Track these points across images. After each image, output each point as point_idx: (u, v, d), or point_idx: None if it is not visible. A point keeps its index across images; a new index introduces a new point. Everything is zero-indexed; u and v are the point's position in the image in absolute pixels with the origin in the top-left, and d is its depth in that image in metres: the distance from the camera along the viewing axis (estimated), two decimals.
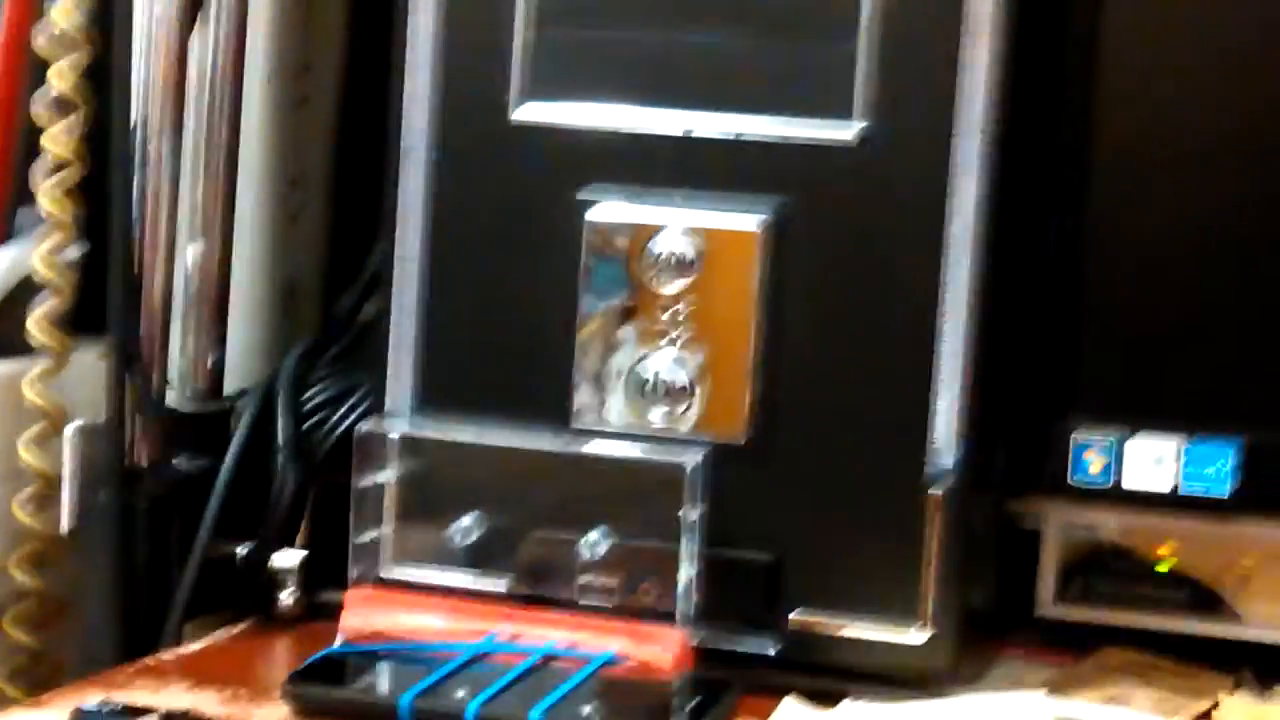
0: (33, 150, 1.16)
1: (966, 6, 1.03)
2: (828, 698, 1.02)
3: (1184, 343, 1.08)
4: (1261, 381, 1.08)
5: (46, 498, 1.15)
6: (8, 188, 1.20)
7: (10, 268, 1.18)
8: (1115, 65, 1.09)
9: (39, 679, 1.13)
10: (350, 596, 1.05)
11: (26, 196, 1.17)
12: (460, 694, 0.96)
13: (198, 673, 1.04)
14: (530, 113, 1.08)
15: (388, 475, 1.07)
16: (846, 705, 1.01)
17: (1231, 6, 1.08)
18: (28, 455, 1.14)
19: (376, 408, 1.11)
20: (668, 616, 1.02)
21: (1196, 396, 1.08)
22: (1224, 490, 1.07)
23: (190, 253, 1.19)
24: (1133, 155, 1.09)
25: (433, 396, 1.10)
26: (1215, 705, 1.05)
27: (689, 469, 1.02)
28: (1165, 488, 1.07)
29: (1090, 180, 1.09)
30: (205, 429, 1.17)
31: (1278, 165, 1.07)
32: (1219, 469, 1.07)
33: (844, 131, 1.05)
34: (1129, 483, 1.08)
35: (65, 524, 1.15)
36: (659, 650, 1.00)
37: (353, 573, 1.06)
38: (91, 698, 0.95)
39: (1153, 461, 1.08)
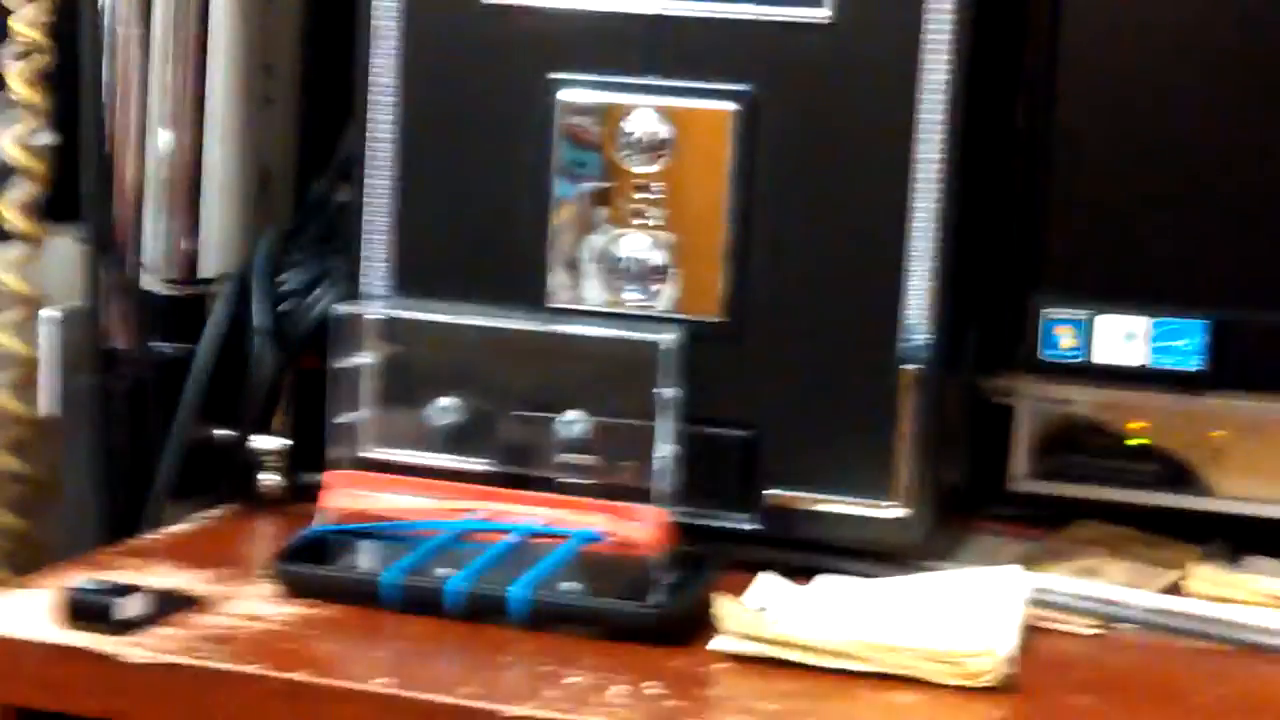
0: (2, 30, 1.15)
1: None
2: (804, 573, 1.03)
3: (1152, 219, 1.09)
4: (1229, 257, 1.09)
5: (26, 382, 1.15)
6: None
7: None
8: None
9: (25, 562, 1.14)
10: (330, 477, 1.06)
11: None
12: (442, 571, 0.98)
13: (182, 553, 1.05)
14: None
15: (365, 357, 1.08)
16: (821, 579, 1.02)
17: None
18: (5, 340, 1.14)
19: (352, 292, 1.11)
20: (646, 494, 1.03)
21: (1165, 271, 1.09)
22: (1194, 364, 1.08)
23: (162, 139, 1.19)
24: (1100, 34, 1.09)
25: (408, 280, 1.11)
26: (1185, 575, 1.06)
27: (664, 348, 1.03)
28: (1136, 363, 1.09)
29: (1057, 59, 1.10)
30: (182, 313, 1.18)
31: (1245, 44, 1.08)
32: (1189, 343, 1.08)
33: (815, 10, 1.05)
34: (1100, 358, 1.09)
35: (44, 408, 1.16)
36: (638, 527, 1.02)
37: (331, 454, 1.07)
38: (78, 577, 0.95)
39: (1123, 337, 1.09)
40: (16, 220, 1.14)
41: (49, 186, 1.16)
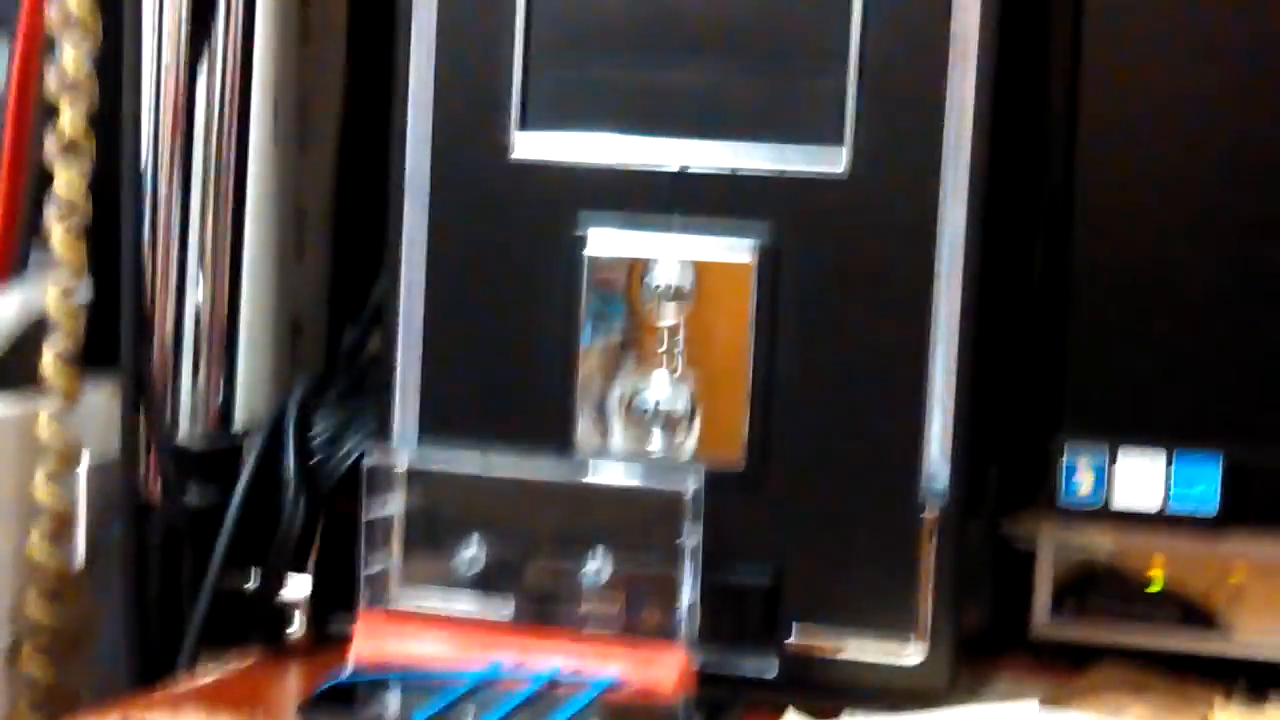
0: (45, 184, 1.18)
1: (951, 35, 1.05)
2: (828, 713, 1.04)
3: (1168, 361, 1.10)
4: (1244, 399, 1.10)
5: (60, 534, 1.17)
6: (21, 224, 1.22)
7: (23, 308, 1.20)
8: (1097, 93, 1.11)
9: (56, 712, 1.15)
10: (360, 625, 1.07)
11: (41, 229, 1.19)
12: (469, 717, 0.98)
13: (211, 701, 1.06)
14: (527, 148, 1.11)
15: (394, 506, 1.10)
16: (846, 717, 1.03)
17: (1217, 29, 1.10)
18: (42, 493, 1.16)
19: (381, 440, 1.13)
20: (669, 639, 1.04)
21: (1182, 413, 1.10)
22: (1211, 508, 1.09)
23: (198, 290, 1.21)
24: (1115, 178, 1.11)
25: (436, 427, 1.13)
26: (1210, 714, 1.06)
27: (688, 495, 1.04)
28: (1154, 506, 1.10)
29: (1074, 205, 1.12)
30: (215, 463, 1.19)
31: (1255, 189, 1.09)
32: (1206, 487, 1.09)
33: (833, 162, 1.07)
34: (1118, 502, 1.10)
35: (79, 560, 1.17)
36: (661, 673, 1.03)
37: (362, 602, 1.08)
38: None
39: (1141, 480, 1.10)
40: (54, 375, 1.16)
41: (87, 336, 1.19)
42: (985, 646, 1.16)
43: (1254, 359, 1.10)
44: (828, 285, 1.08)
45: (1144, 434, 1.10)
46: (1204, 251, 1.10)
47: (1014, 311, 1.13)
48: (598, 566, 1.07)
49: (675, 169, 1.09)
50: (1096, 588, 1.17)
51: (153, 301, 1.20)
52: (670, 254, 1.09)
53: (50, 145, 1.18)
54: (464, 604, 1.09)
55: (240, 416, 1.22)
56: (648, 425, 1.09)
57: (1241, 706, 1.08)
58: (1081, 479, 1.11)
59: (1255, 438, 1.09)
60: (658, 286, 1.09)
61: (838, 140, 1.07)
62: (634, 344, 1.10)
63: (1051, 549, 1.16)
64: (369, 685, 1.04)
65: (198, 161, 1.22)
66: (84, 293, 1.19)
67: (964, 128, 1.06)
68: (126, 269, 1.17)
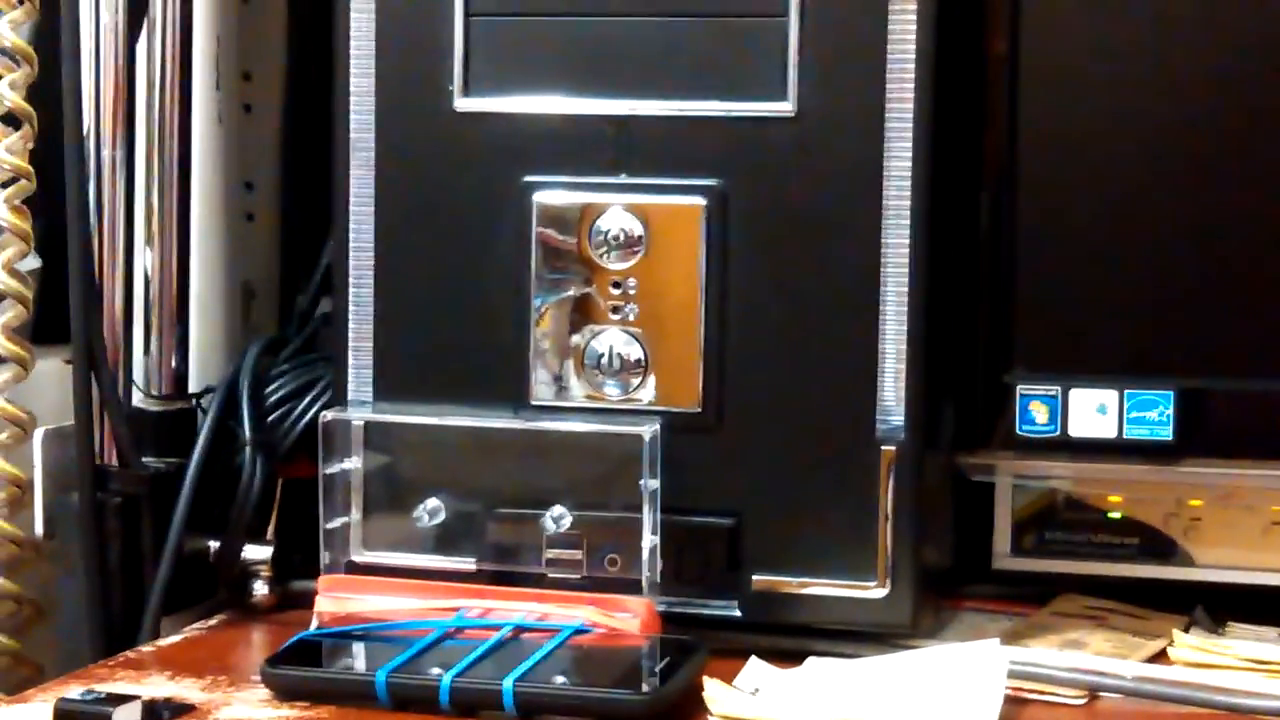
0: None
1: None
2: (792, 656, 1.04)
3: (1119, 294, 1.11)
4: (1196, 329, 1.10)
5: (19, 502, 1.16)
6: None
7: None
8: (1038, 38, 1.11)
9: (20, 681, 1.15)
10: (323, 582, 1.07)
11: None
12: (435, 669, 0.98)
13: (176, 663, 1.06)
14: (472, 103, 1.11)
15: (353, 462, 1.10)
16: (811, 662, 1.03)
17: None
18: None
19: (338, 399, 1.13)
20: (633, 585, 1.04)
21: (1135, 344, 1.11)
22: (1167, 435, 1.10)
23: (147, 258, 1.21)
24: (1059, 118, 1.12)
25: (392, 385, 1.13)
26: (1169, 644, 1.07)
27: (646, 440, 1.05)
28: (1111, 435, 1.10)
29: (1018, 144, 1.12)
30: (171, 427, 1.19)
31: (1199, 130, 1.10)
32: (1161, 414, 1.09)
33: (779, 106, 1.07)
34: (1074, 431, 1.11)
35: (39, 527, 1.17)
36: (626, 617, 1.03)
37: (324, 559, 1.09)
38: (73, 690, 0.96)
39: (1096, 410, 1.10)
40: (6, 343, 1.16)
41: (37, 310, 1.18)
42: (948, 581, 1.16)
43: (1200, 291, 1.10)
44: (778, 227, 1.08)
45: (1096, 369, 1.11)
46: (1150, 189, 1.11)
47: (966, 249, 1.14)
48: (559, 515, 1.07)
49: (621, 115, 1.09)
50: (1057, 520, 1.18)
51: (101, 269, 1.19)
52: (619, 201, 1.09)
53: None
54: (427, 559, 1.09)
55: (195, 381, 1.22)
56: (603, 374, 1.10)
57: (1200, 635, 1.09)
58: (1036, 410, 1.11)
59: (1205, 369, 1.10)
60: (608, 233, 1.09)
61: (783, 83, 1.07)
62: (586, 293, 1.10)
63: (1010, 483, 1.17)
64: (334, 640, 1.04)
65: (141, 128, 1.21)
66: (31, 261, 1.18)
67: (907, 69, 1.06)
68: (73, 237, 1.16)
